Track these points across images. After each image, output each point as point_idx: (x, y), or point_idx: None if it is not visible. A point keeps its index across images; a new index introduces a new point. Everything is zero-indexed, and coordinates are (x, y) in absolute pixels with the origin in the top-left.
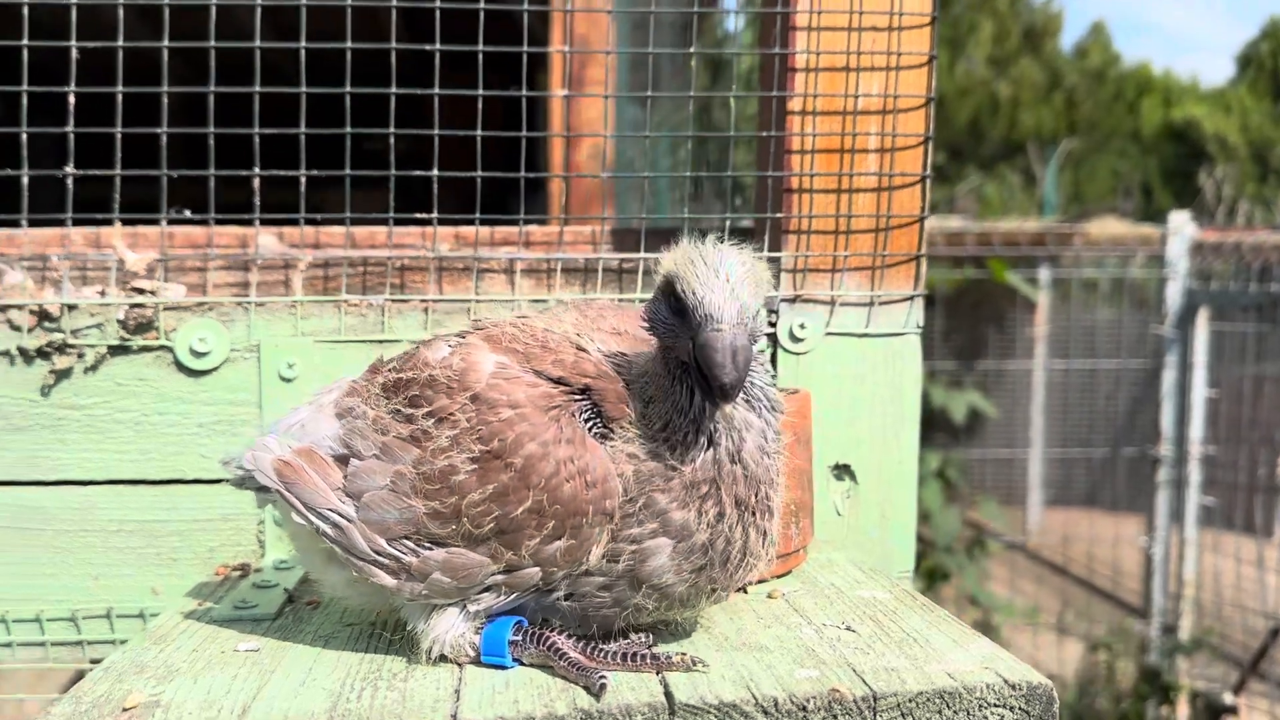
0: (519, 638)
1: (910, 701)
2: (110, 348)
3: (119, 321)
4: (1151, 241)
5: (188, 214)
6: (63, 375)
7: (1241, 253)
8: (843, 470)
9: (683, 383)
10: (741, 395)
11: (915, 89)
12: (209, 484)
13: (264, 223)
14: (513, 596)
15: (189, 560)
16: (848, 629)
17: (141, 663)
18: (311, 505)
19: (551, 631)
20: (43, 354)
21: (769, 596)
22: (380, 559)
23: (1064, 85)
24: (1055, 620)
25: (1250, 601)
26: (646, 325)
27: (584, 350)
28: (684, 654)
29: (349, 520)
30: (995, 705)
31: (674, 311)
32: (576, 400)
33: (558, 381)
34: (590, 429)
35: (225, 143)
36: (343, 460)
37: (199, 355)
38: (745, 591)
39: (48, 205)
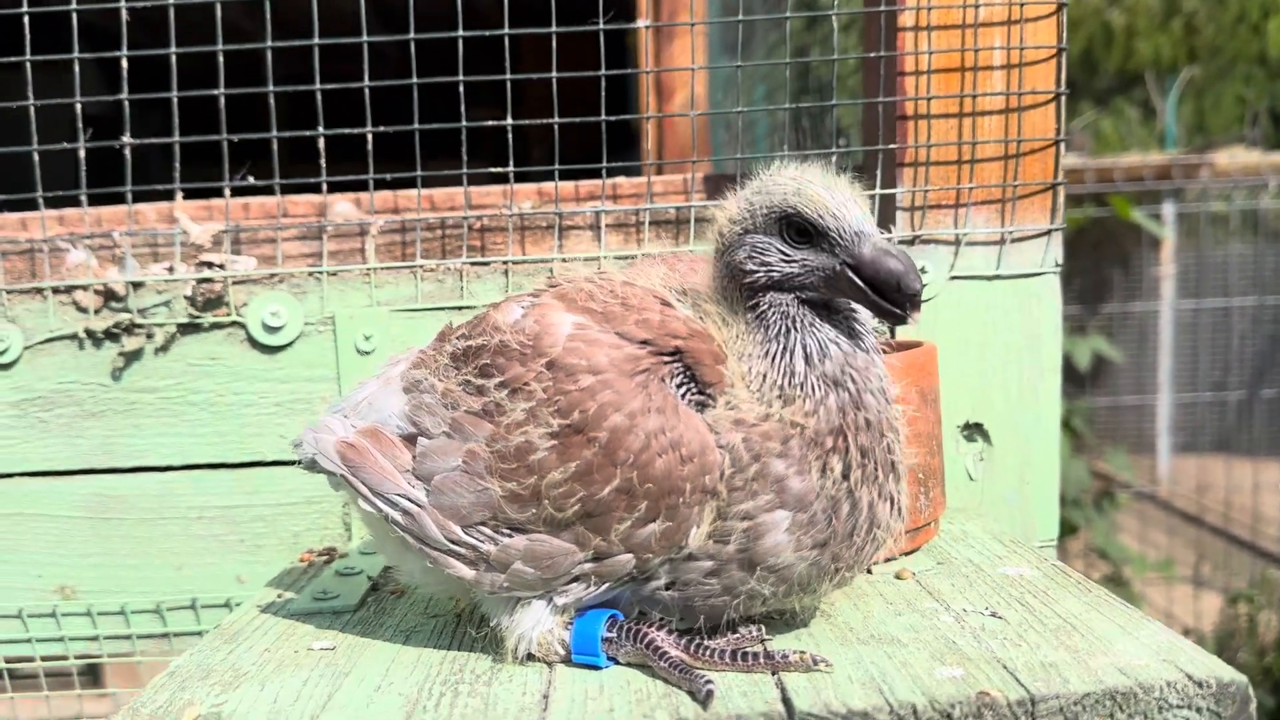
0: (614, 634)
1: (1076, 705)
2: (180, 326)
3: (187, 298)
4: None
5: (251, 180)
6: (133, 357)
7: None
8: (974, 430)
9: (803, 325)
10: (847, 333)
11: None
12: (290, 466)
13: (332, 188)
14: (604, 587)
15: (274, 546)
16: (993, 615)
17: (208, 666)
18: (379, 490)
19: (650, 626)
20: (111, 335)
21: (897, 577)
22: (456, 548)
23: (1182, 10)
24: (1191, 573)
25: None
26: (750, 271)
27: (671, 306)
28: (803, 652)
29: (420, 506)
30: (1179, 707)
31: (796, 244)
32: (666, 363)
33: (644, 343)
34: (684, 396)
35: (288, 107)
36: (411, 440)
37: (272, 330)
38: (870, 573)
39: (107, 180)
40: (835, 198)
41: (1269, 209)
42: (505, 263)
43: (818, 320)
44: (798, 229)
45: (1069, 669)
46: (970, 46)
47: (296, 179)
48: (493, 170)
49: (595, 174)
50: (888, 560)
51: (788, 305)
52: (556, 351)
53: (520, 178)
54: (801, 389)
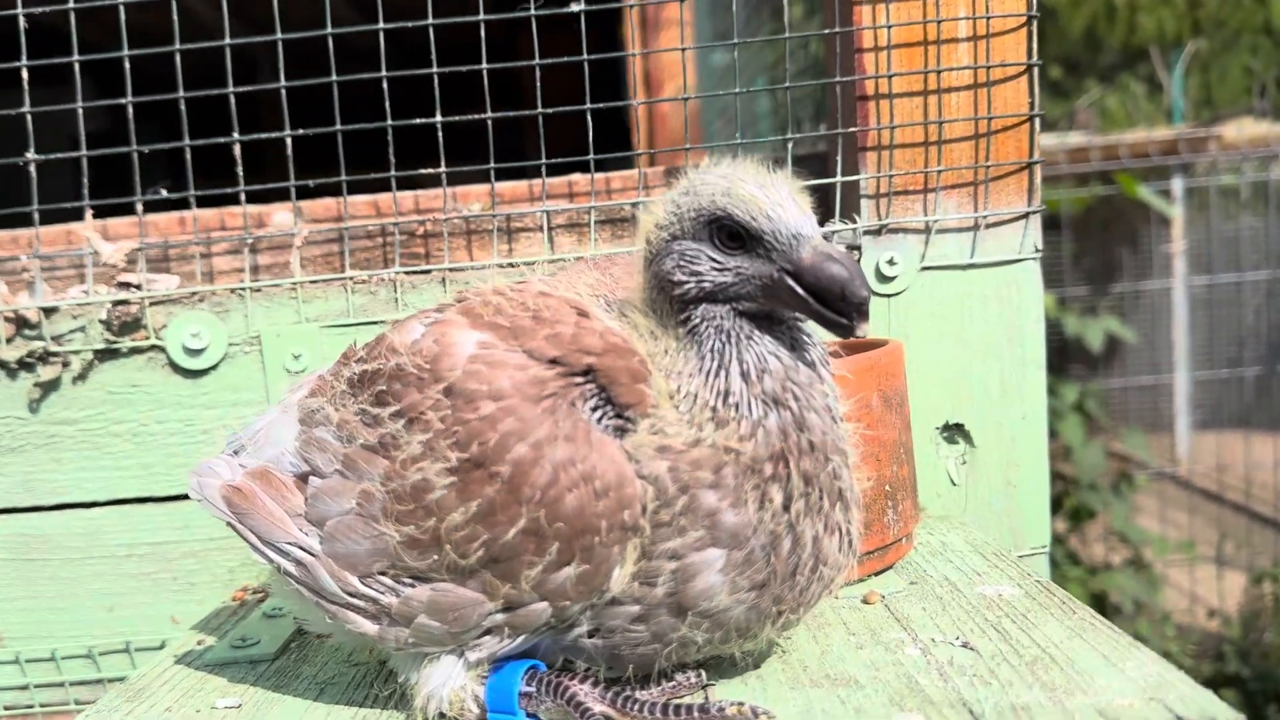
0: (532, 688)
1: None
2: (96, 353)
3: (103, 322)
4: None
5: (164, 193)
6: (50, 387)
7: None
8: (955, 431)
9: (739, 338)
10: (789, 345)
11: None
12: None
13: (268, 197)
14: (520, 639)
15: (207, 584)
16: (964, 645)
17: None
18: (269, 539)
19: (572, 679)
20: (25, 365)
21: (865, 602)
22: (354, 600)
23: None
24: (1214, 552)
25: None
26: (679, 282)
27: (587, 317)
28: (740, 704)
29: (313, 555)
30: None
31: (729, 250)
32: (578, 385)
33: (553, 362)
34: (600, 420)
35: (206, 116)
36: (305, 479)
37: (194, 353)
38: (836, 597)
39: (13, 201)
40: (770, 196)
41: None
42: (443, 270)
43: (756, 332)
44: (729, 233)
45: (1042, 713)
46: (933, 18)
47: (218, 189)
48: (424, 172)
49: (577, 169)
50: (857, 581)
51: (722, 318)
52: (455, 375)
53: (501, 175)
54: (737, 409)
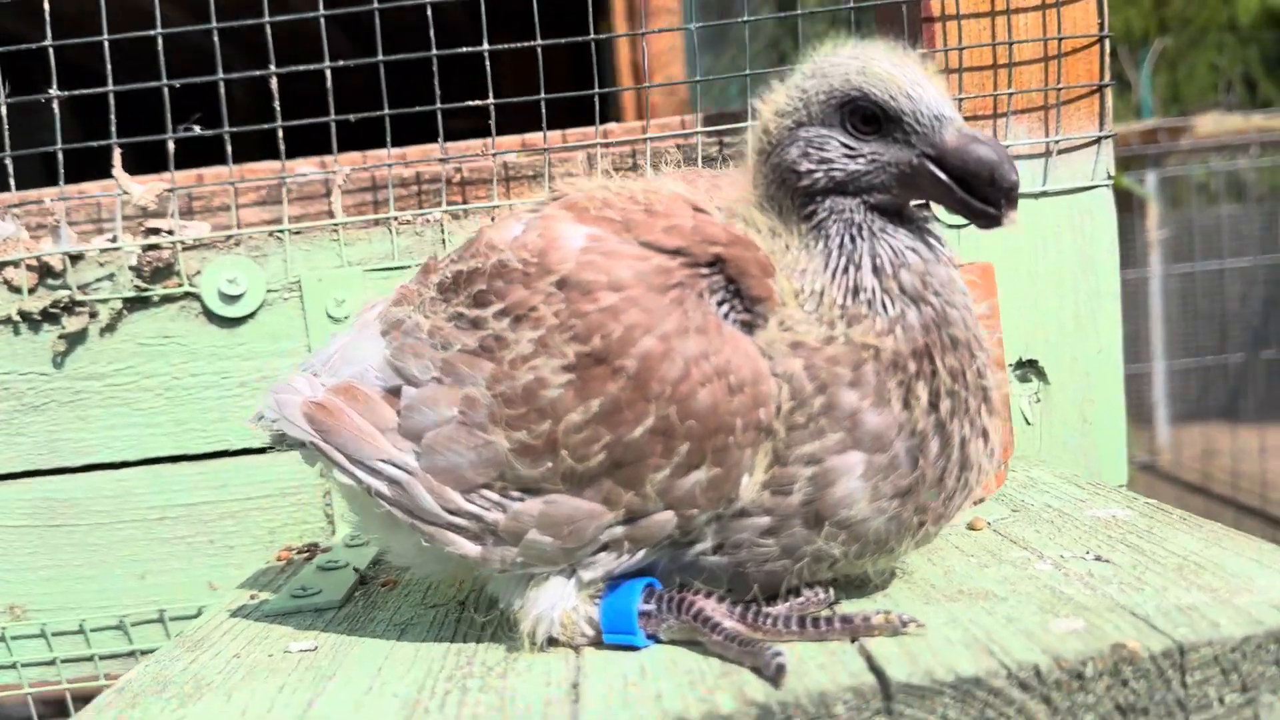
0: (652, 606)
1: (1234, 652)
2: (126, 302)
3: (132, 269)
4: (1270, 129)
5: (198, 129)
6: (76, 340)
7: None
8: (1028, 368)
9: (871, 232)
10: (924, 242)
11: None
12: (260, 454)
13: (294, 150)
14: (639, 555)
15: (247, 546)
16: (1098, 559)
17: (165, 678)
18: (358, 457)
19: (696, 594)
20: (49, 317)
21: (970, 528)
22: (456, 519)
23: None
24: None
25: None
26: (806, 172)
27: (704, 212)
28: (887, 612)
29: (409, 472)
30: None
31: (862, 135)
32: (704, 276)
33: (676, 253)
34: (727, 315)
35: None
36: (396, 393)
37: (231, 300)
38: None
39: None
40: (908, 75)
41: (1251, 170)
42: (491, 209)
43: (889, 226)
44: (864, 116)
45: (1215, 611)
46: None
47: (250, 127)
48: (470, 104)
49: (586, 121)
50: None
51: (852, 211)
52: (568, 267)
53: (503, 130)
54: (870, 305)
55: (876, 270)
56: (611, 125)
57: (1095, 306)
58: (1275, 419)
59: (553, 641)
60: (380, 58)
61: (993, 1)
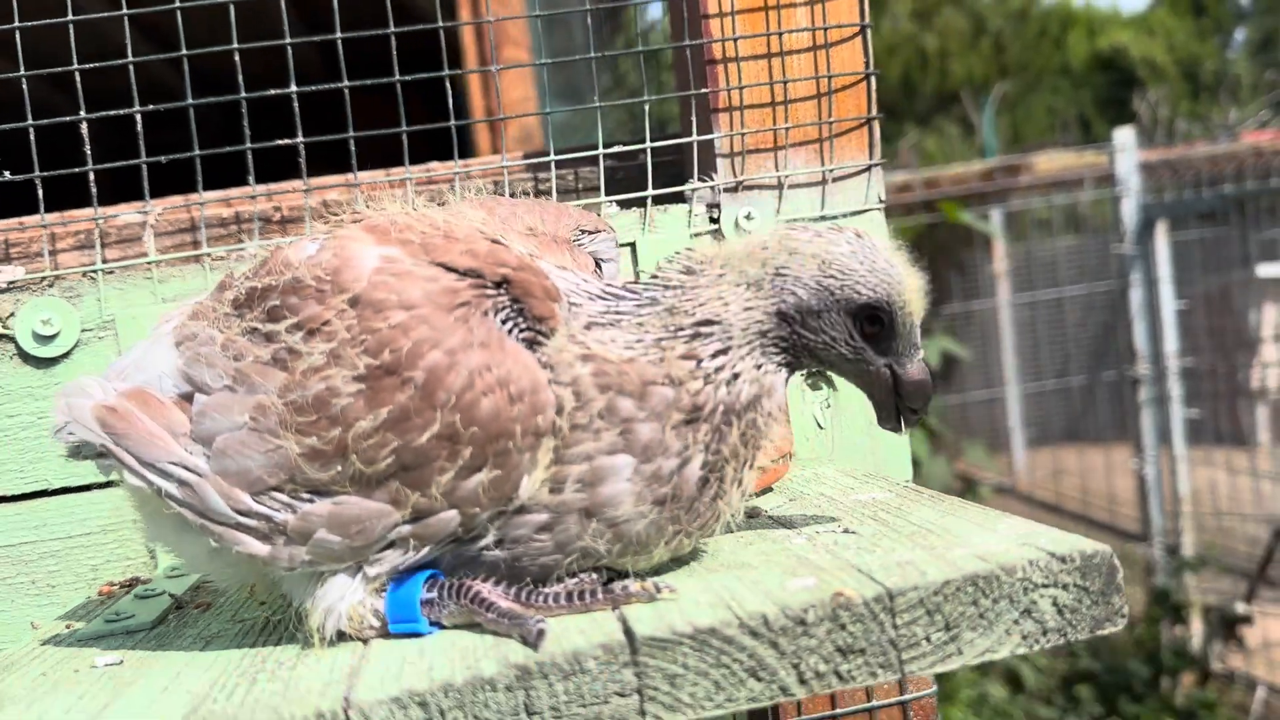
0: (434, 594)
1: (936, 595)
2: None
3: None
4: (1099, 166)
5: (7, 175)
6: None
7: (1190, 163)
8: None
9: (776, 349)
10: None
11: None
12: (79, 491)
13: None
14: (425, 551)
15: (70, 584)
16: (846, 531)
17: None
18: (148, 459)
19: (475, 580)
20: None
21: (749, 516)
22: (246, 520)
23: (989, 30)
24: None
25: (1248, 510)
26: (814, 345)
27: (500, 243)
28: (644, 582)
29: (199, 474)
30: (1044, 586)
31: (867, 335)
32: (490, 296)
33: (466, 274)
34: (511, 331)
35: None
36: (189, 399)
37: (45, 340)
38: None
39: None
40: (917, 300)
41: (1088, 205)
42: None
43: (795, 365)
44: (874, 319)
45: (927, 564)
46: None
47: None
48: (279, 142)
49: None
50: None
51: (783, 338)
52: (361, 286)
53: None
54: (717, 358)
55: (743, 361)
56: (433, 164)
57: None
58: (1117, 438)
59: (342, 635)
60: (189, 101)
61: (769, 44)
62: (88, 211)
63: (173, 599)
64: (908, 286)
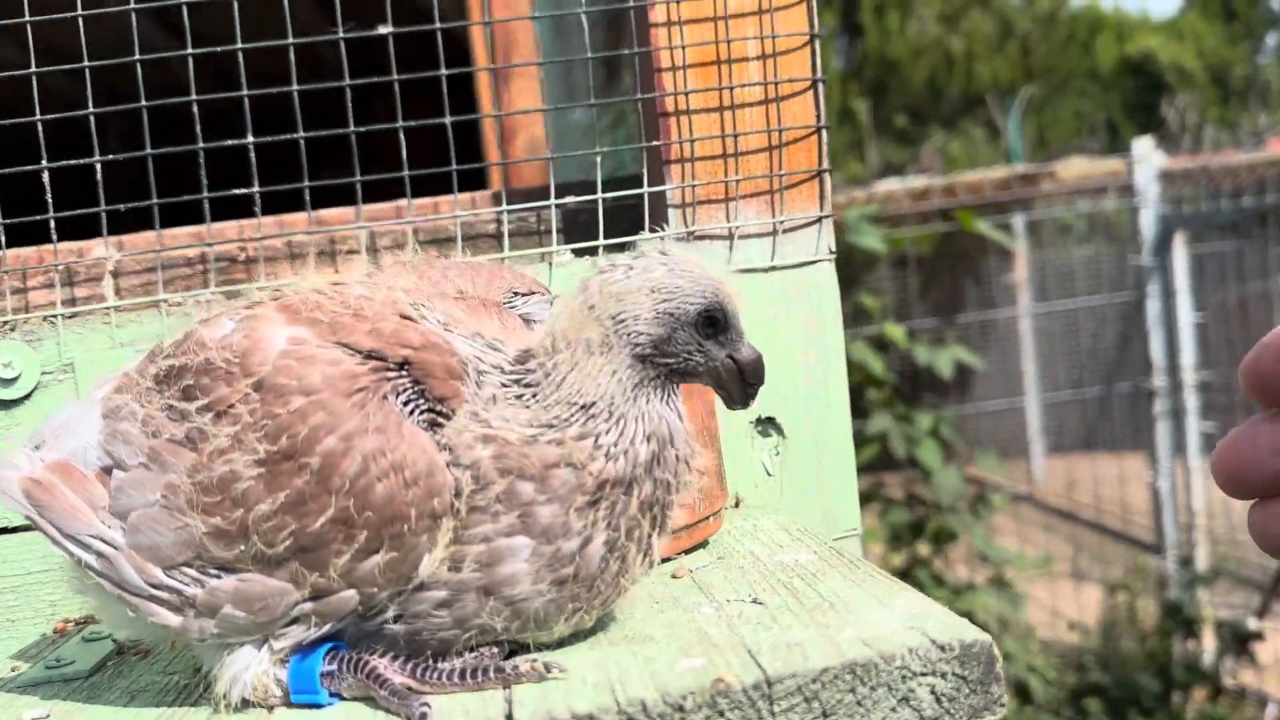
0: (334, 667)
1: (814, 682)
2: None
3: None
4: (1119, 174)
5: None
6: None
7: (1211, 175)
8: (768, 424)
9: (648, 388)
10: (672, 391)
11: None
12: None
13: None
14: (327, 627)
15: (29, 619)
16: (754, 602)
17: None
18: (69, 531)
19: (372, 655)
20: None
21: (673, 576)
22: (158, 593)
23: (1016, 33)
24: (1070, 567)
25: None
26: (660, 354)
27: (409, 319)
28: (534, 660)
29: (115, 547)
30: (923, 674)
31: (707, 337)
32: (390, 379)
33: (369, 355)
34: (412, 412)
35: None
36: (110, 471)
37: (6, 383)
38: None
39: None
40: (735, 295)
41: (1110, 213)
42: (261, 289)
43: (670, 389)
44: (711, 321)
45: (813, 646)
46: (723, 38)
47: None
48: (237, 191)
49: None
50: (667, 560)
51: (652, 376)
52: (265, 370)
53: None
54: (616, 434)
55: (637, 422)
56: (402, 202)
57: (825, 368)
58: (1131, 448)
59: (246, 702)
60: (150, 151)
61: (720, 97)
62: (49, 253)
63: (115, 644)
64: (723, 280)
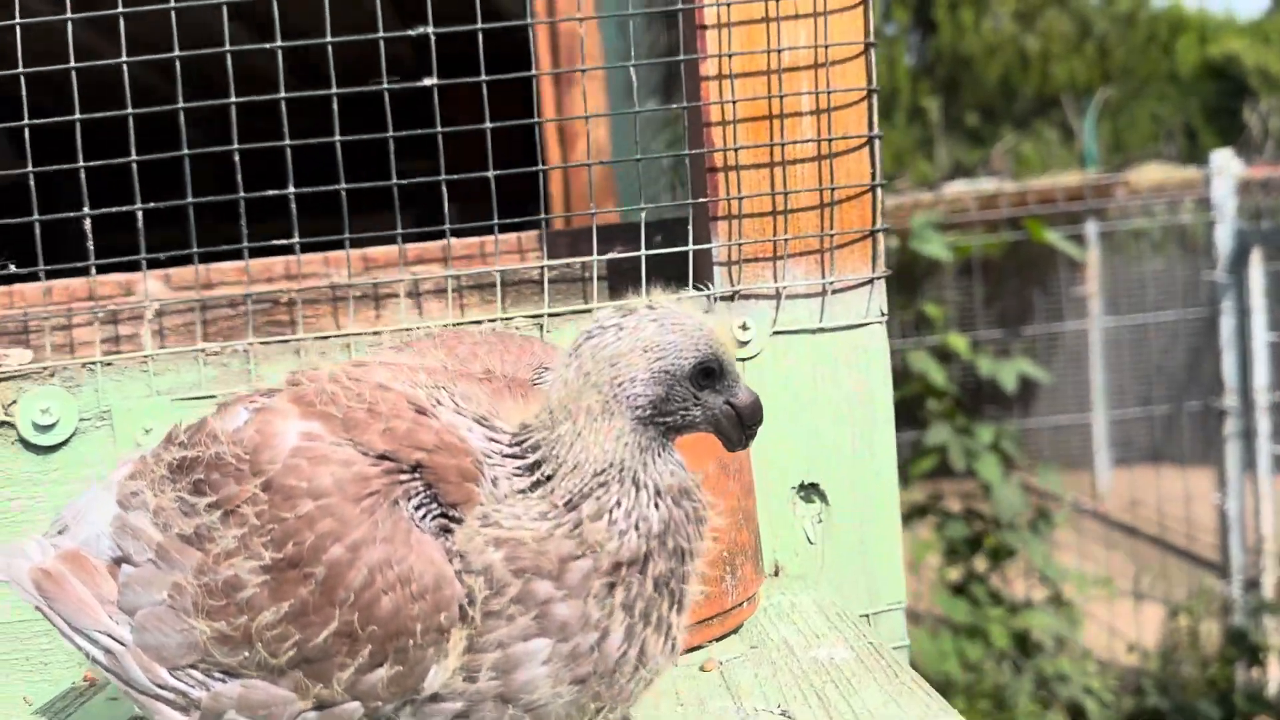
0: None
1: None
2: None
3: None
4: (1195, 184)
5: (12, 267)
6: None
7: None
8: (810, 490)
9: (659, 454)
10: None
11: (850, 34)
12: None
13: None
14: None
15: (61, 663)
16: (783, 714)
17: None
18: (78, 626)
19: None
20: None
21: (702, 669)
22: (163, 693)
23: (1094, 33)
24: (1130, 586)
25: None
26: (659, 414)
27: (424, 414)
28: None
29: (122, 644)
30: None
31: (702, 387)
32: (403, 482)
33: (381, 457)
34: (425, 517)
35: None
36: (120, 563)
37: (44, 429)
38: (674, 664)
39: None
40: (724, 334)
41: (1187, 224)
42: (299, 340)
43: (668, 446)
44: (710, 374)
45: None
46: (776, 93)
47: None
48: (279, 241)
49: (481, 231)
50: (697, 648)
51: (652, 436)
52: (275, 469)
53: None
54: (623, 510)
55: (647, 486)
56: (454, 241)
57: (872, 433)
58: (1199, 464)
59: None
60: (190, 200)
61: (770, 154)
62: (88, 298)
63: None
64: (714, 329)
